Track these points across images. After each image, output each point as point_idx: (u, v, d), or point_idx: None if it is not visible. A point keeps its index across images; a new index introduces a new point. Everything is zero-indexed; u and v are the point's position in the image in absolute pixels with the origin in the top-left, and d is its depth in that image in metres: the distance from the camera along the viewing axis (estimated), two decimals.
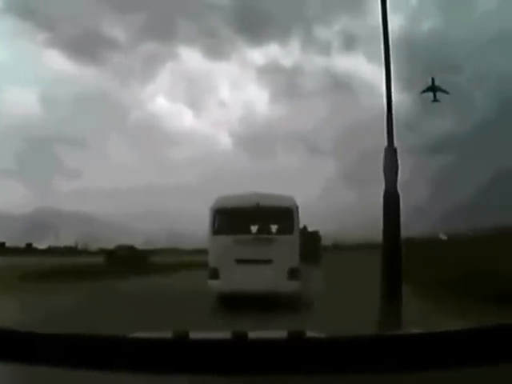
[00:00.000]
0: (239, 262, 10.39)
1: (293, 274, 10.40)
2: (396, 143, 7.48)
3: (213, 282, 10.66)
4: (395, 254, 6.44)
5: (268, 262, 10.37)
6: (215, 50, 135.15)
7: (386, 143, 7.54)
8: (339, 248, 50.65)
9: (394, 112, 7.81)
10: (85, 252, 56.50)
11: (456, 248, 18.84)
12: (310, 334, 1.46)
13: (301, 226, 12.12)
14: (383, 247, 6.67)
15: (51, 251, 59.57)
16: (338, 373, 1.24)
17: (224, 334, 1.46)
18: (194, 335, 1.47)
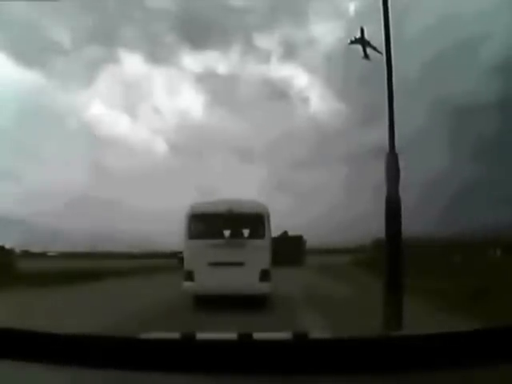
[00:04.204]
0: (213, 264, 10.90)
1: (264, 275, 10.99)
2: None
3: (188, 284, 11.12)
4: (397, 253, 6.90)
5: (240, 264, 10.93)
6: (156, 56, 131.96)
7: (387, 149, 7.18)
8: None
9: (394, 116, 7.23)
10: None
11: None
12: (314, 334, 1.55)
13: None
14: (386, 247, 7.03)
15: None
16: (343, 373, 1.26)
17: (230, 335, 1.51)
18: (200, 336, 1.55)
